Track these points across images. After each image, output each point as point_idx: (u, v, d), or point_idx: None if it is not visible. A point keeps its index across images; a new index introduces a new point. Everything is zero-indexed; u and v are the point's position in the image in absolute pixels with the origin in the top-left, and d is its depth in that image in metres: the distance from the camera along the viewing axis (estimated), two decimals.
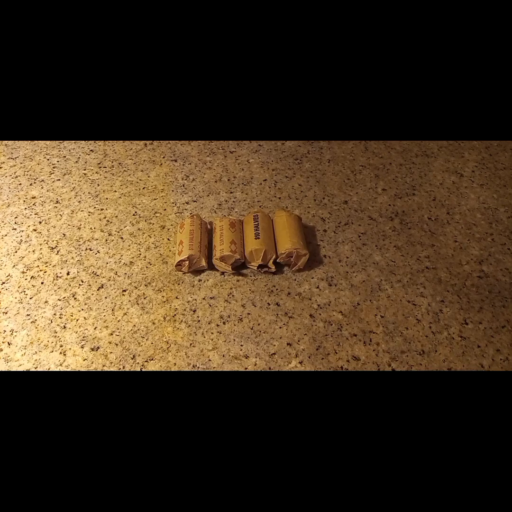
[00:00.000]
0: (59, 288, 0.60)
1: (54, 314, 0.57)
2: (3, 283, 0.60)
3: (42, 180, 0.75)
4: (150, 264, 0.63)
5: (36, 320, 0.56)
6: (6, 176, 0.76)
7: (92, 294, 0.59)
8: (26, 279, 0.61)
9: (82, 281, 0.60)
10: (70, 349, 0.53)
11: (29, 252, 0.64)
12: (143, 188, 0.74)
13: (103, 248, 0.65)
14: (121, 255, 0.64)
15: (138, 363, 0.52)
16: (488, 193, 0.75)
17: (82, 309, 0.57)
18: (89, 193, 0.73)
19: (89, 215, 0.70)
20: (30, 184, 0.75)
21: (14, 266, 0.62)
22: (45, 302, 0.58)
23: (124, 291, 0.60)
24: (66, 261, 0.63)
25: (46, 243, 0.65)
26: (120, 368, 0.52)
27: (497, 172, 0.79)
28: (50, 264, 0.62)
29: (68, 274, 0.61)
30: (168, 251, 0.65)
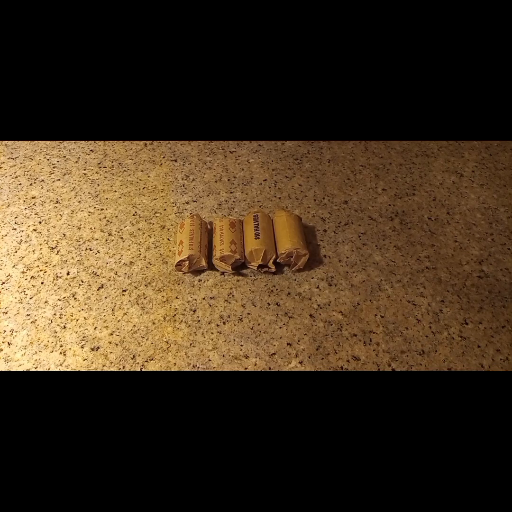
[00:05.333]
0: (59, 288, 0.60)
1: (54, 314, 0.57)
2: (3, 283, 0.60)
3: (42, 180, 0.75)
4: (150, 264, 0.63)
5: (36, 320, 0.56)
6: (6, 176, 0.76)
7: (92, 294, 0.59)
8: (26, 279, 0.61)
9: (82, 281, 0.60)
10: (70, 349, 0.53)
11: (29, 252, 0.64)
12: (143, 188, 0.74)
13: (103, 248, 0.65)
14: (121, 255, 0.64)
15: (138, 363, 0.52)
16: (488, 193, 0.75)
17: (82, 309, 0.57)
18: (89, 193, 0.73)
19: (89, 215, 0.70)
20: (30, 184, 0.75)
21: (14, 266, 0.62)
22: (45, 302, 0.58)
23: (124, 291, 0.60)
24: (66, 261, 0.63)
25: (46, 243, 0.65)
26: (120, 368, 0.52)
27: (497, 172, 0.79)
28: (50, 264, 0.62)
29: (68, 274, 0.61)
30: (168, 251, 0.65)
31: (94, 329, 0.55)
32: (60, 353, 0.53)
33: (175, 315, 0.57)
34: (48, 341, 0.54)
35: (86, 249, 0.65)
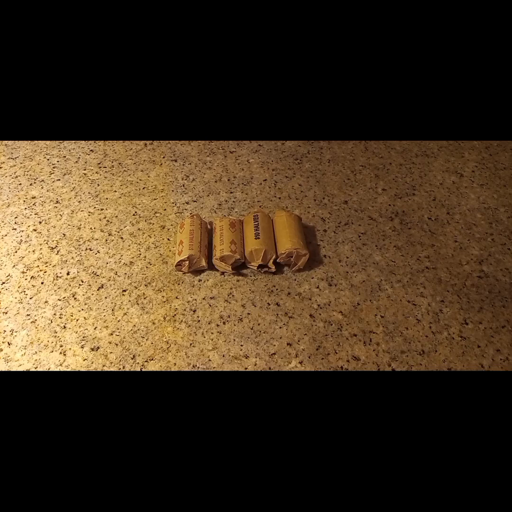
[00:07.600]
0: (59, 288, 0.60)
1: (54, 314, 0.57)
2: (3, 283, 0.60)
3: (42, 180, 0.75)
4: (150, 264, 0.63)
5: (36, 320, 0.56)
6: (6, 176, 0.76)
7: (92, 294, 0.59)
8: (26, 279, 0.61)
9: (82, 281, 0.60)
10: (70, 349, 0.53)
11: (29, 252, 0.64)
12: (143, 188, 0.74)
13: (103, 248, 0.65)
14: (121, 255, 0.64)
15: (138, 363, 0.52)
16: (488, 193, 0.75)
17: (82, 309, 0.57)
18: (89, 193, 0.73)
19: (89, 215, 0.70)
20: (30, 184, 0.75)
21: (14, 266, 0.62)
22: (45, 302, 0.58)
23: (124, 291, 0.60)
24: (66, 261, 0.63)
25: (46, 243, 0.65)
26: (120, 368, 0.52)
27: (497, 172, 0.79)
28: (50, 264, 0.62)
29: (68, 274, 0.61)
30: (168, 251, 0.65)
31: (94, 329, 0.55)
32: (60, 353, 0.53)
33: (175, 315, 0.57)
34: (48, 341, 0.54)
35: (86, 249, 0.65)
